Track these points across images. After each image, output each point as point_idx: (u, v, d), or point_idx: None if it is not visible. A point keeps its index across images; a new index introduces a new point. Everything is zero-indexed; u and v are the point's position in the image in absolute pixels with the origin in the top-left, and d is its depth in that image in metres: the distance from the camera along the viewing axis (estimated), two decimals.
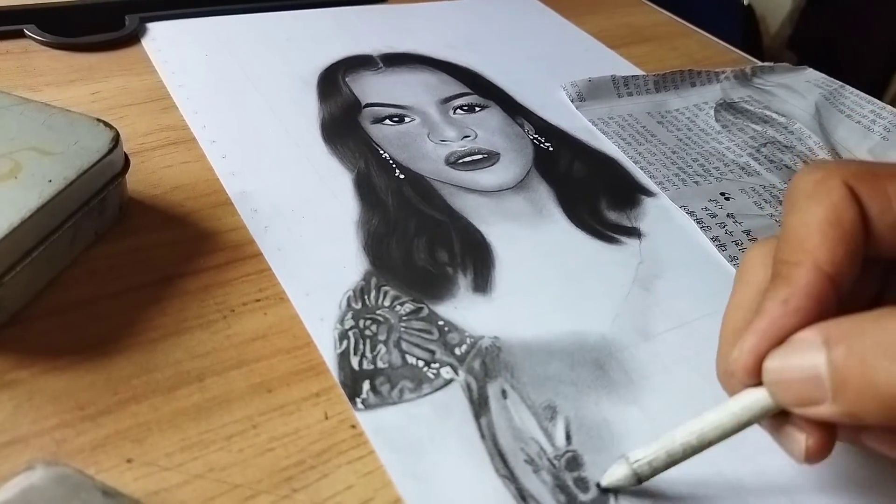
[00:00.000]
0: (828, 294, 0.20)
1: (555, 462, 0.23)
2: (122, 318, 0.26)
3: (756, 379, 0.21)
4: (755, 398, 0.21)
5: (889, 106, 0.44)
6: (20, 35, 0.41)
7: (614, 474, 0.22)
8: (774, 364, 0.20)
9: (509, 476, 0.23)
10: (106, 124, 0.28)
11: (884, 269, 0.24)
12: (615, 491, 0.23)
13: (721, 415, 0.21)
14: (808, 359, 0.19)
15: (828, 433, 0.20)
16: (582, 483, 0.23)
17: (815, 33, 1.09)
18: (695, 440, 0.21)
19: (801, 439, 0.20)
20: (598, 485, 0.23)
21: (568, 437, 0.24)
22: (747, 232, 0.34)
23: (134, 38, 0.43)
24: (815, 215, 0.21)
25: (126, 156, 0.29)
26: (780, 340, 0.20)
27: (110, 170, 0.28)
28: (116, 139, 0.28)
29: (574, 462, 0.23)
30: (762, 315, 0.21)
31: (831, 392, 0.19)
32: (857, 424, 0.19)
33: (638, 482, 0.22)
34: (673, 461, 0.22)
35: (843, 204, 0.21)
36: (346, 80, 0.42)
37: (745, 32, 1.04)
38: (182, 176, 0.33)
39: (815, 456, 0.20)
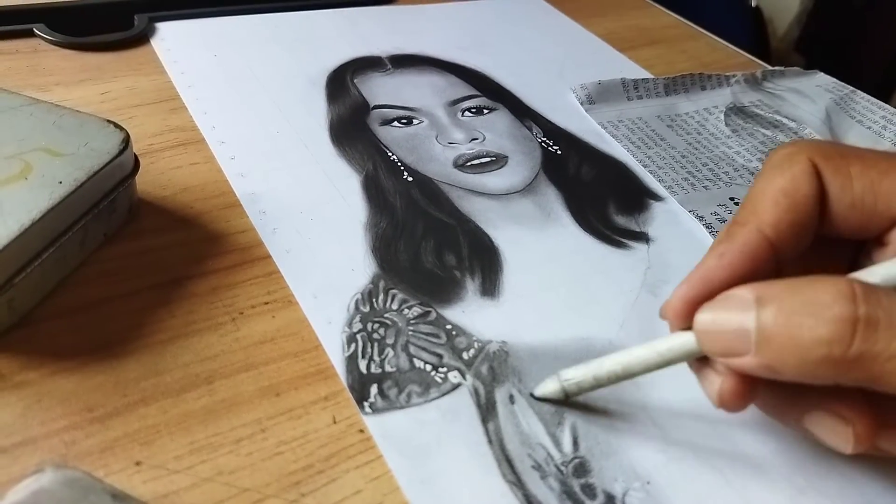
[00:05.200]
0: (764, 255, 0.22)
1: (562, 468, 0.23)
2: (132, 319, 0.26)
3: (684, 324, 0.22)
4: (682, 342, 0.22)
5: None
6: (30, 34, 0.42)
7: (546, 387, 0.25)
8: (706, 316, 0.21)
9: (516, 482, 0.23)
10: (116, 126, 0.28)
11: (853, 250, 0.24)
12: (552, 401, 0.25)
13: (648, 352, 0.23)
14: (738, 314, 0.20)
15: (743, 382, 0.21)
16: (589, 489, 0.23)
17: (822, 36, 1.08)
18: (620, 370, 0.23)
19: (717, 382, 0.21)
20: (531, 394, 0.25)
21: (575, 444, 0.24)
22: None
23: (143, 37, 0.43)
24: (772, 184, 0.22)
25: (136, 157, 0.29)
26: (709, 290, 0.22)
27: (120, 171, 0.28)
28: (126, 141, 0.28)
29: (581, 468, 0.23)
30: (698, 266, 0.22)
31: (755, 345, 0.20)
32: (770, 377, 0.20)
33: (566, 397, 0.25)
34: (598, 385, 0.24)
35: (801, 177, 0.22)
36: (355, 81, 0.42)
37: (753, 35, 1.04)
38: (191, 177, 0.33)
39: (728, 400, 0.21)
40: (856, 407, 0.21)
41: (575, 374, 0.24)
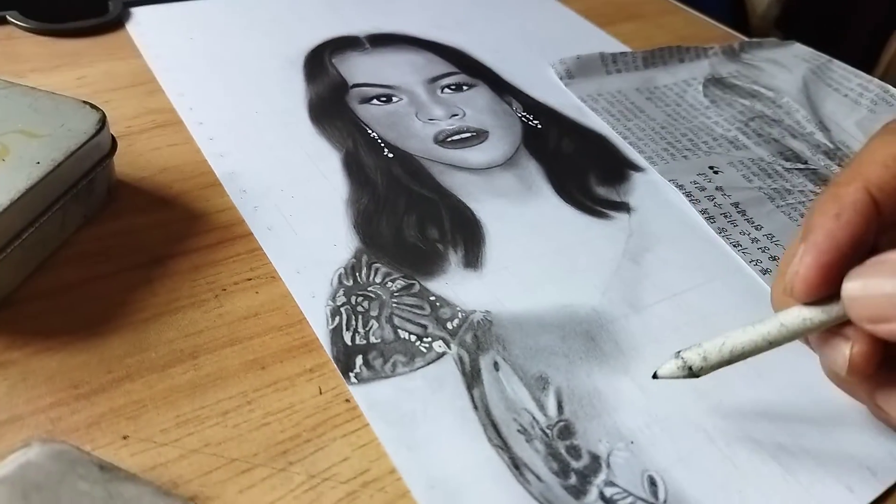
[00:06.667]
0: (872, 215, 0.21)
1: (547, 431, 0.24)
2: (114, 298, 0.26)
3: (817, 293, 0.21)
4: (816, 312, 0.21)
5: (876, 79, 0.44)
6: (2, 21, 0.41)
7: (668, 368, 0.23)
8: (855, 283, 0.20)
9: (503, 446, 0.23)
10: (92, 106, 0.28)
11: None
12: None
13: (777, 325, 0.22)
14: (892, 279, 0.20)
15: (877, 346, 0.21)
16: (574, 450, 0.23)
17: (802, 13, 1.09)
18: (749, 348, 0.22)
19: (846, 348, 0.21)
20: (653, 375, 0.23)
21: (560, 407, 0.24)
22: (736, 205, 0.34)
23: (118, 22, 0.42)
24: (884, 149, 0.22)
25: (113, 137, 0.29)
26: (840, 253, 0.21)
27: (97, 152, 0.28)
28: (103, 121, 0.28)
29: (566, 431, 0.24)
30: (815, 230, 0.21)
31: None
32: None
33: (693, 375, 0.23)
34: (726, 363, 0.23)
35: None
36: (333, 60, 0.41)
37: (732, 11, 1.04)
38: (170, 158, 0.33)
39: (860, 366, 0.21)
40: None
41: (697, 355, 0.23)
